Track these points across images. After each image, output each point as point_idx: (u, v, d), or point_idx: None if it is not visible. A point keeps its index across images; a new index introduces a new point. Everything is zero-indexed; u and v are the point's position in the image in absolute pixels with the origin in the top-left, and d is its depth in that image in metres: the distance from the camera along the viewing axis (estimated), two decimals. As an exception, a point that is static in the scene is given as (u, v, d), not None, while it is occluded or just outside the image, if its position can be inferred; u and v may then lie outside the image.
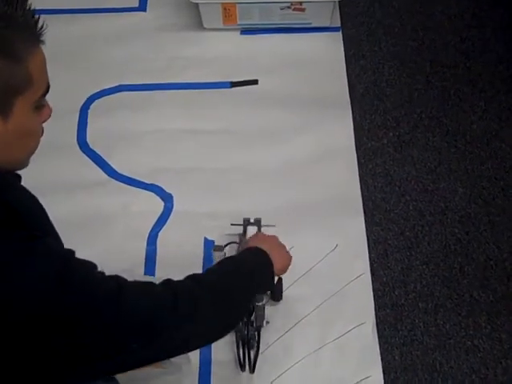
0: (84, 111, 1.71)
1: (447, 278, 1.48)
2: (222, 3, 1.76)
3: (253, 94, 1.75)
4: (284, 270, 1.18)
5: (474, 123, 1.72)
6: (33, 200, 0.89)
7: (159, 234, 1.50)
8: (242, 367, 1.30)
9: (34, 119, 0.83)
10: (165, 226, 1.51)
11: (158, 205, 1.54)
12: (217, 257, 1.31)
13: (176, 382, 1.28)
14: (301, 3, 1.76)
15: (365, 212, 1.54)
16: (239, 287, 1.03)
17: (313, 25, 1.84)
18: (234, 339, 1.31)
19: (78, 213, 1.51)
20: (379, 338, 1.37)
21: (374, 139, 1.69)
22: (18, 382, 0.79)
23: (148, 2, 1.95)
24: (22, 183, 0.93)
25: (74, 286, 0.78)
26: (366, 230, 1.51)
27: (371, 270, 1.46)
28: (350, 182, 1.58)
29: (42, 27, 0.79)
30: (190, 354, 1.21)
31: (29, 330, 0.75)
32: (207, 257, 1.46)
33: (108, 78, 1.77)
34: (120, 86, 1.76)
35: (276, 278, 1.15)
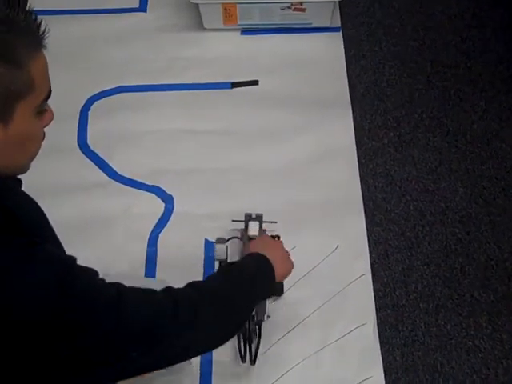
0: (84, 113, 1.71)
1: (448, 278, 1.48)
2: (223, 3, 1.76)
3: (253, 95, 1.75)
4: (285, 276, 1.17)
5: (474, 123, 1.72)
6: (33, 205, 0.89)
7: (160, 235, 1.50)
8: (243, 359, 1.30)
9: (36, 124, 0.83)
10: (165, 228, 1.51)
11: (159, 206, 1.54)
12: (219, 249, 1.30)
13: (177, 381, 1.29)
14: (301, 3, 1.76)
15: (365, 212, 1.54)
16: (240, 293, 1.02)
17: (313, 25, 1.84)
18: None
19: (78, 214, 1.51)
20: (380, 338, 1.37)
21: (374, 139, 1.69)
22: None
23: (148, 2, 1.94)
24: (23, 185, 0.94)
25: (74, 292, 0.78)
26: (367, 230, 1.51)
27: (372, 271, 1.46)
28: (350, 182, 1.58)
29: (44, 31, 0.79)
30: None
31: (29, 335, 0.75)
32: (208, 258, 1.46)
33: (108, 78, 1.77)
34: (120, 87, 1.76)
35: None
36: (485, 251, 1.52)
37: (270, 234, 1.39)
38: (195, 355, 1.01)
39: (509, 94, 1.77)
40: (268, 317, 1.29)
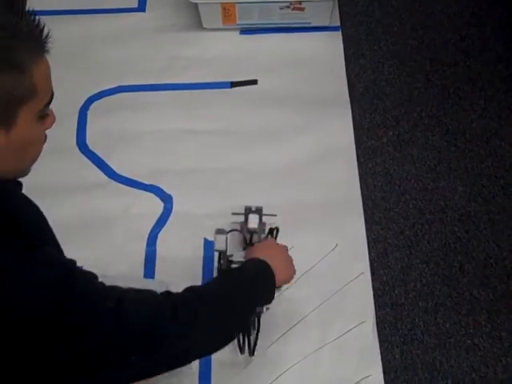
0: (83, 112, 1.71)
1: (447, 276, 1.48)
2: (222, 3, 1.76)
3: (252, 94, 1.75)
4: (287, 282, 1.15)
5: (473, 122, 1.72)
6: (34, 208, 0.89)
7: (159, 235, 1.50)
8: (242, 350, 1.30)
9: (38, 128, 0.83)
10: (164, 227, 1.51)
11: (158, 206, 1.55)
12: (219, 240, 1.30)
13: (176, 381, 1.29)
14: (300, 3, 1.76)
15: (365, 211, 1.54)
16: (239, 294, 1.02)
17: (312, 24, 1.84)
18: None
19: (77, 214, 1.51)
20: (379, 337, 1.37)
21: (373, 138, 1.69)
22: None
23: (147, 2, 1.94)
24: (23, 186, 0.94)
25: (74, 295, 0.78)
26: (366, 229, 1.52)
27: (371, 269, 1.46)
28: (349, 182, 1.58)
29: (46, 36, 0.79)
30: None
31: (29, 338, 0.75)
32: (207, 257, 1.46)
33: (107, 78, 1.77)
34: (119, 86, 1.76)
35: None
36: (484, 249, 1.52)
37: (269, 227, 1.41)
38: (195, 358, 1.01)
39: (508, 92, 1.77)
40: (267, 309, 1.29)
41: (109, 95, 1.75)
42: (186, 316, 0.90)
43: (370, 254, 1.48)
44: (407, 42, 1.88)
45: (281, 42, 1.85)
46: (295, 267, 1.18)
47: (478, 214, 1.57)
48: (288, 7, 1.77)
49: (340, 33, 1.86)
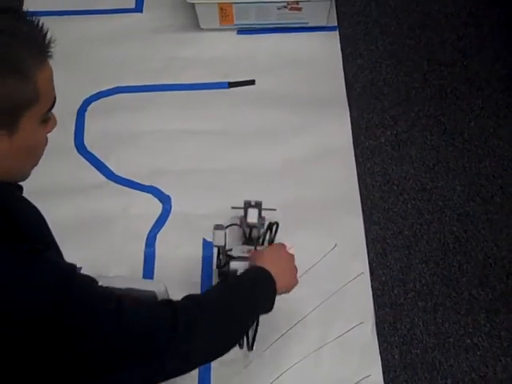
0: (81, 114, 1.70)
1: (446, 276, 1.48)
2: (219, 3, 1.76)
3: (250, 94, 1.75)
4: (288, 290, 1.14)
5: (471, 121, 1.72)
6: (34, 211, 0.90)
7: (158, 235, 1.50)
8: (241, 345, 1.30)
9: (40, 132, 0.83)
10: (163, 228, 1.51)
11: (157, 206, 1.54)
12: (218, 235, 1.29)
13: (176, 381, 1.29)
14: (297, 3, 1.76)
15: (363, 211, 1.54)
16: (239, 306, 1.01)
17: (309, 24, 1.84)
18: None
19: (76, 215, 1.51)
20: (379, 337, 1.37)
21: (371, 138, 1.69)
22: None
23: (144, 3, 1.94)
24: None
25: (74, 295, 0.78)
26: (365, 229, 1.51)
27: (370, 270, 1.46)
28: (348, 182, 1.58)
29: (50, 42, 0.79)
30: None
31: (30, 339, 0.75)
32: (206, 258, 1.46)
33: (105, 79, 1.77)
34: (117, 87, 1.76)
35: None
36: (482, 249, 1.52)
37: (268, 221, 1.41)
38: (195, 366, 0.99)
39: (505, 91, 1.77)
40: None
41: (106, 96, 1.74)
42: (186, 325, 0.89)
43: (369, 254, 1.48)
44: (404, 42, 1.88)
45: (278, 42, 1.85)
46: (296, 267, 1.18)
47: (477, 214, 1.57)
48: (285, 7, 1.77)
49: (337, 33, 1.86)
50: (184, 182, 1.58)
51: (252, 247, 1.34)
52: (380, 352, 1.35)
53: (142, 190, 1.57)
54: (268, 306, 1.08)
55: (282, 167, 1.61)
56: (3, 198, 0.82)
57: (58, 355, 0.77)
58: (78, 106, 1.72)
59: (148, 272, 1.45)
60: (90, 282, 0.85)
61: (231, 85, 1.77)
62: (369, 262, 1.47)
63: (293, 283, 1.15)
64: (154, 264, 1.46)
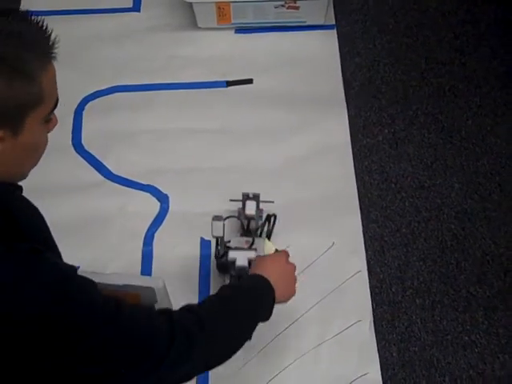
0: (79, 112, 1.70)
1: (444, 273, 1.49)
2: (216, 2, 1.76)
3: (248, 93, 1.75)
4: (287, 299, 1.14)
5: (469, 119, 1.72)
6: (34, 211, 0.90)
7: (155, 234, 1.50)
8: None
9: (42, 132, 0.84)
10: (161, 227, 1.51)
11: (154, 205, 1.54)
12: (216, 226, 1.29)
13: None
14: (295, 1, 1.76)
15: (361, 209, 1.54)
16: (238, 313, 1.01)
17: (307, 23, 1.84)
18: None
19: (74, 214, 1.51)
20: (376, 334, 1.37)
21: (369, 136, 1.69)
22: None
23: (142, 2, 1.94)
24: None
25: (74, 296, 0.79)
26: (363, 227, 1.51)
27: (368, 267, 1.46)
28: (345, 180, 1.58)
29: (54, 43, 0.80)
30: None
31: (30, 340, 0.75)
32: (204, 256, 1.46)
33: (102, 78, 1.77)
34: (115, 86, 1.76)
35: None
36: (480, 246, 1.52)
37: (266, 214, 1.41)
38: (194, 376, 0.99)
39: (503, 89, 1.77)
40: None
41: (104, 95, 1.74)
42: (184, 334, 0.88)
43: (366, 252, 1.48)
44: (402, 40, 1.88)
45: (276, 41, 1.85)
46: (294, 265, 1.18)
47: (475, 212, 1.57)
48: (283, 6, 1.77)
49: (335, 31, 1.86)
50: (182, 180, 1.58)
51: (250, 239, 1.34)
52: (378, 350, 1.35)
53: (140, 189, 1.57)
54: (267, 315, 1.08)
55: (280, 165, 1.61)
56: (4, 198, 0.82)
57: (57, 355, 0.77)
58: (75, 105, 1.72)
59: (146, 271, 1.45)
60: (90, 283, 0.84)
61: (229, 84, 1.77)
62: (367, 260, 1.47)
63: (290, 293, 1.15)
64: (151, 263, 1.46)
